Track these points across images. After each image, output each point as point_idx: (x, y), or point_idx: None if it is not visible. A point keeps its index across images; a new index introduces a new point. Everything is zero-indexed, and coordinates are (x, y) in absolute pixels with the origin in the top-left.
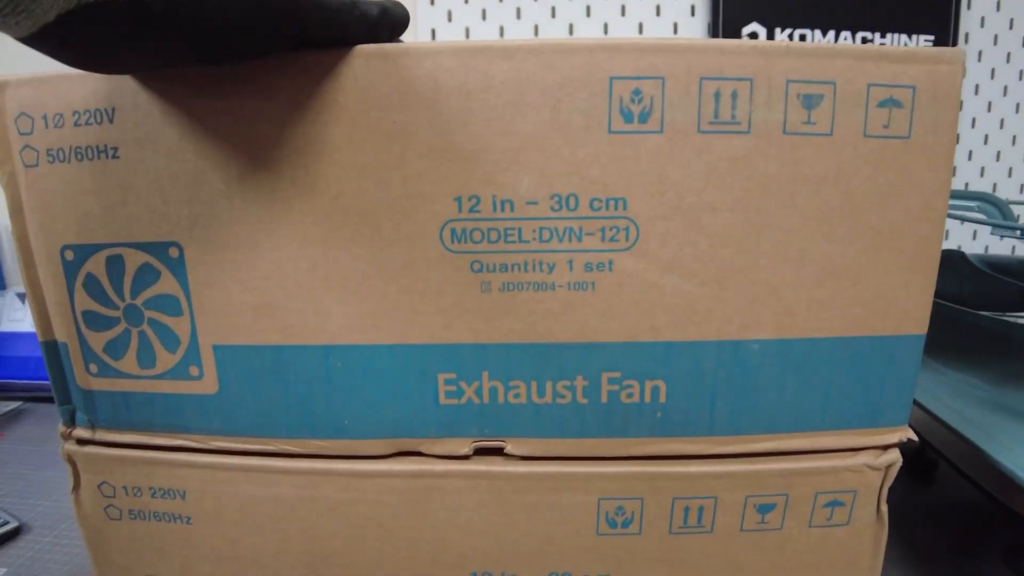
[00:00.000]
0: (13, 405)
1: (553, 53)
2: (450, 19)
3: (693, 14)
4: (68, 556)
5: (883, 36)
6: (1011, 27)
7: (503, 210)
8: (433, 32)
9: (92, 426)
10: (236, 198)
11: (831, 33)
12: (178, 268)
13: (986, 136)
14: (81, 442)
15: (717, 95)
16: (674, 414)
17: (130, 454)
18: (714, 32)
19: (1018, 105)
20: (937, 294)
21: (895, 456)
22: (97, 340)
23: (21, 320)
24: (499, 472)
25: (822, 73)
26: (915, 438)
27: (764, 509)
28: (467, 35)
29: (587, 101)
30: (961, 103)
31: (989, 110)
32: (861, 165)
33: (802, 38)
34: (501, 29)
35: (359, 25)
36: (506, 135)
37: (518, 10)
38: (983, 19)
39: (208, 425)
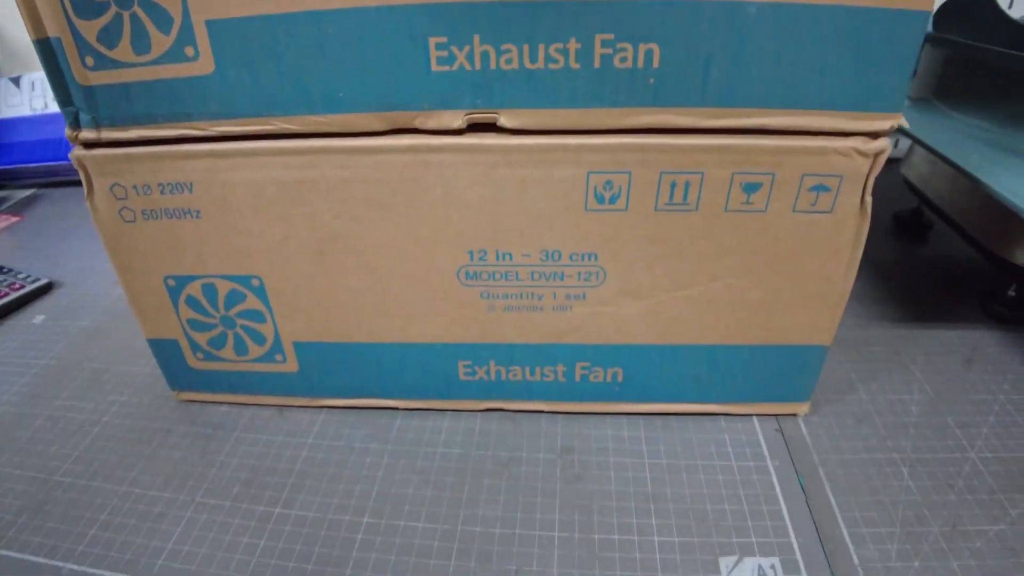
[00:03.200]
0: (28, 192)
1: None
2: None
3: None
4: (96, 302)
5: None
6: None
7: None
8: None
9: (96, 125)
10: None
11: None
12: None
13: None
14: (88, 145)
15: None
16: (667, 81)
17: (136, 151)
18: None
19: None
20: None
21: (885, 144)
22: (89, 29)
23: (20, 105)
24: (491, 145)
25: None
26: (907, 125)
27: (750, 188)
28: None
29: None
30: None
31: None
32: None
33: None
34: None
35: None
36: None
37: None
38: None
39: (207, 109)
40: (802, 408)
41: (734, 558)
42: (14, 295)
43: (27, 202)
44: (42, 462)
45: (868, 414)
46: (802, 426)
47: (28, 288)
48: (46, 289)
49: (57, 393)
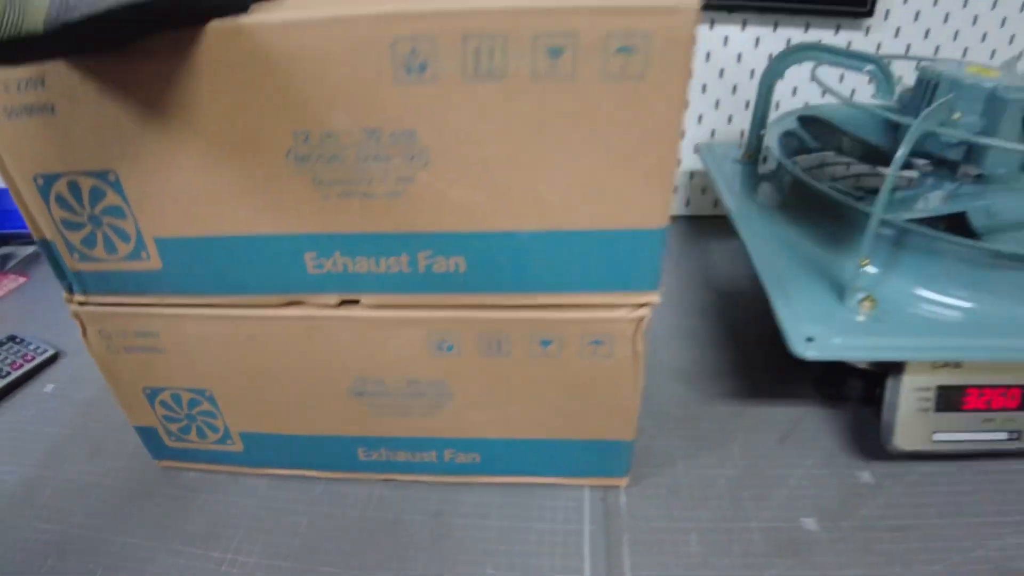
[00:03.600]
0: (32, 248)
1: (348, 22)
2: None
3: None
4: (96, 372)
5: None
6: None
7: (329, 140)
8: None
9: (85, 292)
10: (149, 136)
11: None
12: (117, 187)
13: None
14: (81, 304)
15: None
16: (473, 278)
17: (115, 310)
18: None
19: None
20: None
21: (645, 312)
22: (74, 238)
23: None
24: (358, 316)
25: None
26: (658, 301)
27: (545, 343)
28: None
29: (376, 59)
30: None
31: None
32: (603, 102)
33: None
34: None
35: (216, 12)
36: (322, 86)
37: None
38: None
39: (160, 289)
40: (622, 482)
41: None
42: (28, 366)
43: (31, 260)
44: (61, 516)
45: (680, 487)
46: (622, 496)
47: (39, 359)
48: (54, 358)
49: (68, 458)
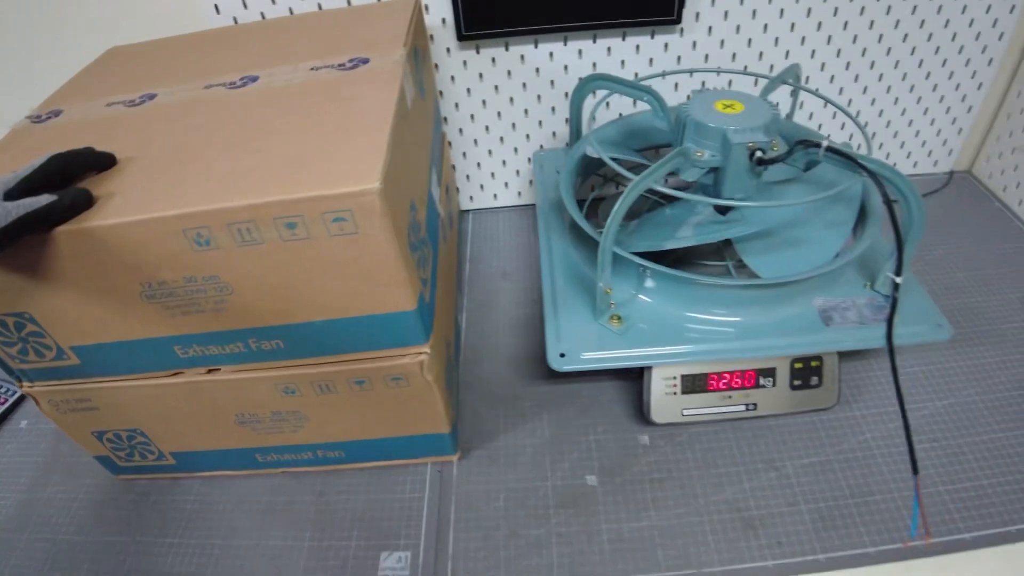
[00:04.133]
0: None
1: (152, 222)
2: None
3: (444, 24)
4: None
5: (616, 27)
6: None
7: (163, 285)
8: None
9: (31, 381)
10: (45, 291)
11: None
12: (34, 321)
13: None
14: (30, 387)
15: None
16: (291, 351)
17: (56, 388)
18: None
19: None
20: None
21: (423, 357)
22: (12, 351)
23: None
24: (223, 379)
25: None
26: (429, 351)
27: (360, 383)
28: None
29: (177, 240)
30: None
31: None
32: (336, 250)
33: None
34: None
35: (60, 216)
36: (149, 256)
37: None
38: None
39: (84, 375)
40: (454, 457)
41: (387, 552)
42: (2, 408)
43: None
44: (49, 527)
45: (498, 456)
46: (455, 468)
47: (11, 400)
48: (23, 397)
49: (48, 481)
